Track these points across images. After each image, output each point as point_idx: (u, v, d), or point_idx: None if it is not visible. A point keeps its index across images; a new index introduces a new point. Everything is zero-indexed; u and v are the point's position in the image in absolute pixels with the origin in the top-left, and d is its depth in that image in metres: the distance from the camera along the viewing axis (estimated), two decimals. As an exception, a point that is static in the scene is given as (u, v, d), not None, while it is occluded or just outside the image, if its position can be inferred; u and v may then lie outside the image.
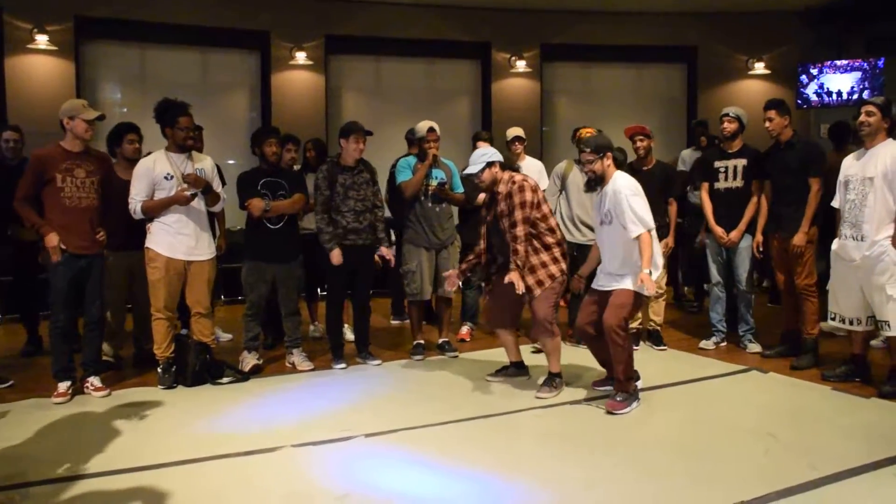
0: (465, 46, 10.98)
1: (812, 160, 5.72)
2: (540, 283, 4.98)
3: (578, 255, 6.14)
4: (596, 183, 4.98)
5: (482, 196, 6.29)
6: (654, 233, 4.82)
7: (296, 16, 10.08)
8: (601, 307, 4.87)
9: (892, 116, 4.97)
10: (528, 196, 4.97)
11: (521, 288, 4.86)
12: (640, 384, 5.02)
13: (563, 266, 5.08)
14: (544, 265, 5.00)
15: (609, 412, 4.65)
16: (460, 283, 6.80)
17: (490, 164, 5.06)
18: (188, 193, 5.22)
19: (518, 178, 5.08)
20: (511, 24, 10.77)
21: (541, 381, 5.17)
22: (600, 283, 5.00)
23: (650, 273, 4.63)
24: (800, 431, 4.29)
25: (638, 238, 4.69)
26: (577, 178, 6.33)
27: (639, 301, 4.93)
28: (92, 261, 5.07)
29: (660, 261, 4.95)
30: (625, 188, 4.79)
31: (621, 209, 4.73)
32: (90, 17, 9.21)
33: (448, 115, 10.64)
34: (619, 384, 4.79)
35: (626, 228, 4.72)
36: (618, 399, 4.72)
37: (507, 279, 4.89)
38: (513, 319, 5.38)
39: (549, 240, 5.04)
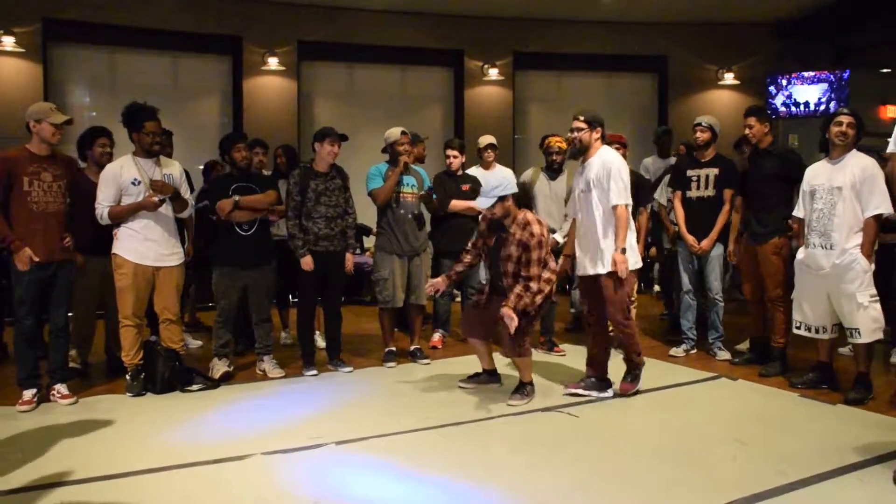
0: (438, 54, 11.02)
1: (792, 168, 5.74)
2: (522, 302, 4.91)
3: None
4: (580, 152, 5.04)
5: (454, 203, 6.31)
6: (630, 213, 5.00)
7: (268, 21, 10.07)
8: (593, 294, 5.14)
9: (861, 129, 5.05)
10: (543, 252, 4.88)
11: (512, 329, 4.74)
12: (611, 392, 5.17)
13: (547, 292, 4.99)
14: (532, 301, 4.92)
15: (622, 394, 5.14)
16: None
17: (503, 199, 4.87)
18: (156, 199, 5.17)
19: (536, 229, 4.85)
20: (484, 33, 10.83)
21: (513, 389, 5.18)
22: (584, 269, 5.13)
23: (623, 251, 4.85)
24: (768, 438, 4.34)
25: (615, 208, 4.87)
26: (543, 187, 6.38)
27: (629, 280, 5.09)
28: (59, 267, 4.99)
29: (634, 252, 5.10)
30: (615, 160, 4.97)
31: (608, 178, 4.88)
32: (58, 19, 9.11)
33: (421, 122, 10.65)
34: (630, 363, 5.20)
35: (607, 197, 4.91)
36: (628, 381, 5.19)
37: (501, 312, 4.77)
38: (488, 333, 5.34)
39: (544, 281, 4.93)
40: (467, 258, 5.29)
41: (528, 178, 6.49)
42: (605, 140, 5.75)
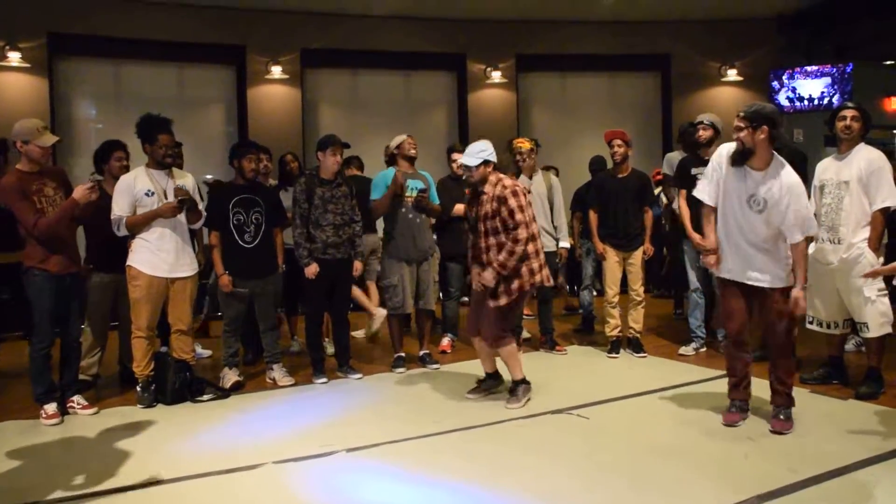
0: (441, 58, 11.04)
1: (797, 165, 5.72)
2: (508, 292, 4.96)
3: None
4: (745, 157, 4.30)
5: (458, 207, 6.31)
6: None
7: (271, 30, 10.10)
8: (749, 304, 4.54)
9: (868, 122, 5.03)
10: (523, 199, 4.97)
11: (489, 282, 4.91)
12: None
13: (536, 279, 5.02)
14: (519, 275, 4.97)
15: (779, 432, 4.34)
16: (441, 295, 6.81)
17: (486, 162, 5.02)
18: (176, 202, 5.17)
19: (508, 182, 5.04)
20: (486, 35, 10.84)
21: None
22: (749, 277, 4.45)
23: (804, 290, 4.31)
24: (779, 435, 4.33)
25: (796, 245, 4.28)
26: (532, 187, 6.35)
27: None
28: (75, 278, 5.04)
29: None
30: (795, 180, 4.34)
31: (796, 207, 4.24)
32: (63, 33, 9.17)
33: (425, 126, 10.69)
34: (788, 398, 4.48)
35: (790, 231, 4.26)
36: (781, 418, 4.43)
37: (480, 278, 4.95)
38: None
39: (530, 248, 4.99)
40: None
41: None
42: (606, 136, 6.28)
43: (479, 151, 5.03)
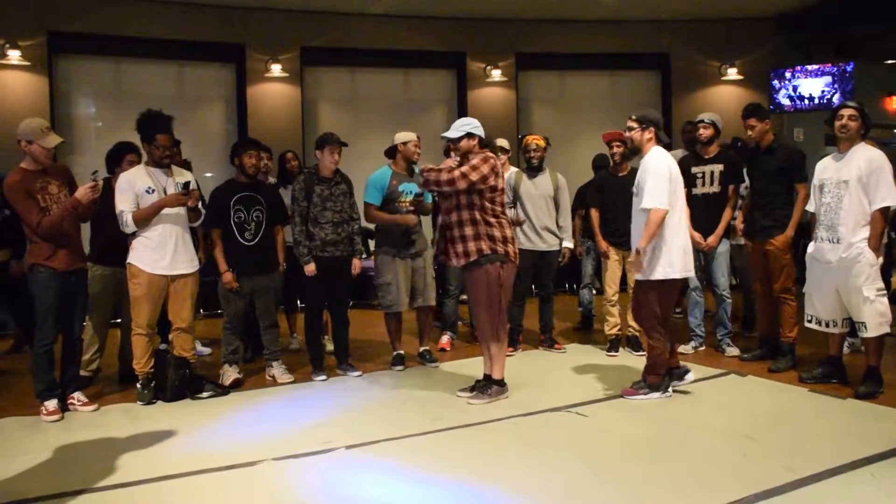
0: (441, 56, 11.03)
1: (795, 166, 5.76)
2: (466, 253, 4.94)
3: (542, 262, 6.29)
4: (633, 154, 5.32)
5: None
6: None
7: (271, 28, 10.09)
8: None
9: (867, 120, 5.04)
10: (485, 169, 4.87)
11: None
12: (690, 377, 5.21)
13: (504, 249, 4.95)
14: (477, 237, 4.92)
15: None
16: (439, 290, 6.79)
17: (470, 135, 5.00)
18: (181, 190, 5.17)
19: (490, 154, 5.04)
20: (486, 34, 10.83)
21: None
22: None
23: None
24: (778, 433, 4.33)
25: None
26: (527, 187, 6.35)
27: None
28: (80, 275, 5.06)
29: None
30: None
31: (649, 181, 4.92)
32: (63, 31, 9.16)
33: (424, 124, 10.64)
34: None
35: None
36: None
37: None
38: None
39: (492, 219, 4.95)
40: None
41: (511, 181, 6.44)
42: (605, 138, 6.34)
43: (463, 125, 5.02)
